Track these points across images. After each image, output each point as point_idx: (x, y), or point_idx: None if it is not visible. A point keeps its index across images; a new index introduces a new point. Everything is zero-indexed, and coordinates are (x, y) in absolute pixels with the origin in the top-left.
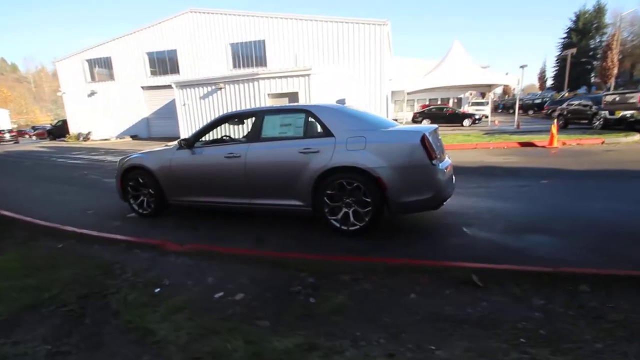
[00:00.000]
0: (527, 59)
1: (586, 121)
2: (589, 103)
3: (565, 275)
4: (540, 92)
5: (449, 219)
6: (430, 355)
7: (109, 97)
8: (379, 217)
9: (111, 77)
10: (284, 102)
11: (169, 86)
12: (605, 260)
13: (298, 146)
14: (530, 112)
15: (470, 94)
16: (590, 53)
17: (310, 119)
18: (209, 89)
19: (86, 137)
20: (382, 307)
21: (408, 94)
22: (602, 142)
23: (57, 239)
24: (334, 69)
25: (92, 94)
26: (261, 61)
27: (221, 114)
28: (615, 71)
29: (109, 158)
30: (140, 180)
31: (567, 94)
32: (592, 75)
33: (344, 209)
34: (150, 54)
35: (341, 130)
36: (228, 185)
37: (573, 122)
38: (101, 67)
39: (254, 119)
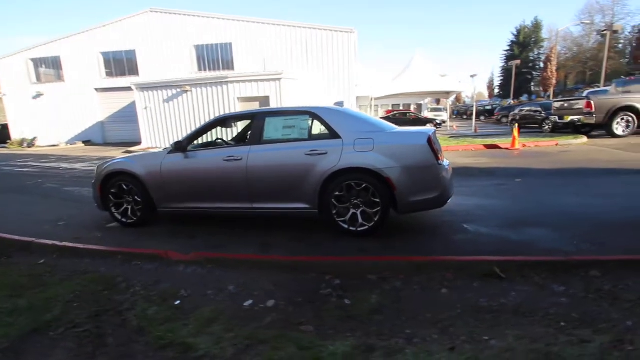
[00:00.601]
0: (476, 69)
1: (536, 126)
2: (539, 109)
3: (576, 263)
4: (489, 99)
5: (445, 217)
6: (487, 345)
7: (58, 99)
8: (387, 217)
9: (60, 78)
10: (255, 107)
11: (128, 88)
12: (598, 247)
13: (304, 148)
14: (482, 117)
15: (428, 101)
16: (530, 64)
17: (315, 121)
18: (174, 91)
19: (31, 144)
20: (418, 304)
21: (375, 99)
22: (557, 144)
23: (36, 254)
24: (304, 73)
25: (38, 96)
26: (228, 65)
27: (217, 115)
28: (554, 81)
29: (64, 165)
30: (125, 187)
31: (513, 101)
32: (532, 84)
33: (352, 210)
34: (105, 54)
35: (348, 132)
36: (228, 189)
37: (524, 126)
38: (48, 67)
39: (253, 121)
